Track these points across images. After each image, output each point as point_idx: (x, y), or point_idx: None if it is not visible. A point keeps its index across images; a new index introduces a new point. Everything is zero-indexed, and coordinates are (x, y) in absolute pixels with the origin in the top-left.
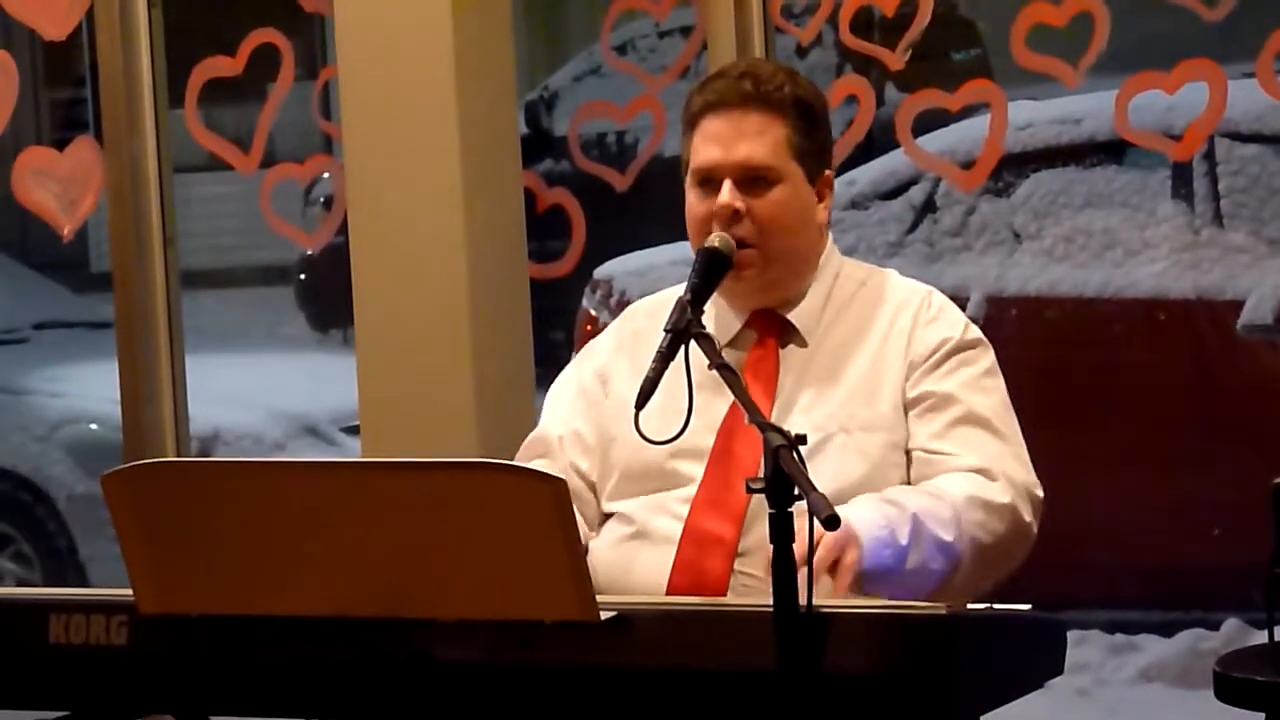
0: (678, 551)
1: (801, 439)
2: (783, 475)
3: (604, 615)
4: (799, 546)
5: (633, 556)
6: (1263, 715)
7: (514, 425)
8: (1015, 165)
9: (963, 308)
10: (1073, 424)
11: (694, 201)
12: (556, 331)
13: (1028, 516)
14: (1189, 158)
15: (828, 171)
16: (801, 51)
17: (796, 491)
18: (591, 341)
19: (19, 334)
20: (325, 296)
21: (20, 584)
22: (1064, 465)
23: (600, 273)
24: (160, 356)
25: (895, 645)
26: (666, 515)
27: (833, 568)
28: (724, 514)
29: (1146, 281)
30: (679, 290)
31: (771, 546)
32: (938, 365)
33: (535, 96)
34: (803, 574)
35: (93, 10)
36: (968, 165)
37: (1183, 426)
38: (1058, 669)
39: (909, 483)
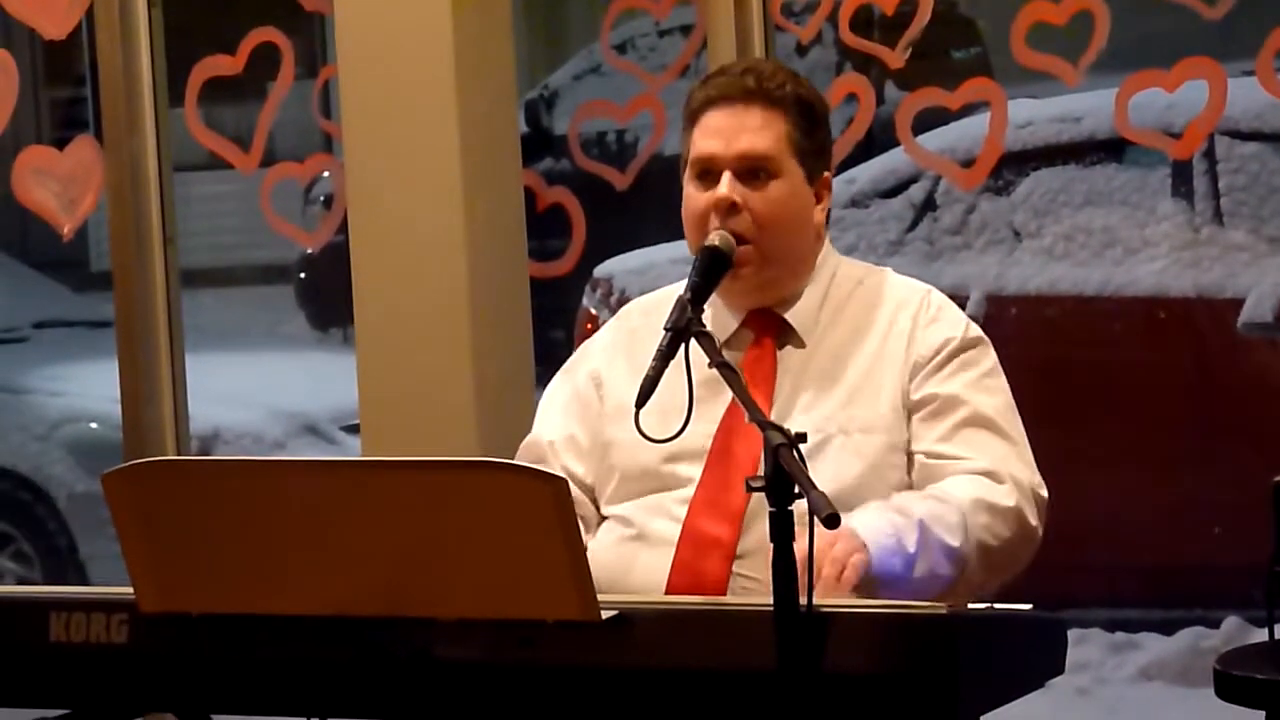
0: (676, 553)
1: (802, 437)
2: (783, 473)
3: (605, 614)
4: (799, 545)
5: (631, 558)
6: (1263, 713)
7: (514, 424)
8: (1015, 163)
9: (963, 306)
10: (1073, 422)
11: (693, 194)
12: (557, 330)
13: (1033, 520)
14: (1189, 156)
15: (826, 174)
16: (801, 50)
17: (796, 490)
18: (585, 343)
19: (19, 333)
20: (325, 295)
21: (20, 583)
22: (1064, 464)
23: (600, 271)
24: (160, 355)
25: (896, 645)
26: (665, 517)
27: (839, 573)
28: (722, 515)
29: (1146, 280)
30: (674, 289)
31: (770, 547)
32: (941, 366)
33: (535, 95)
34: (803, 573)
35: (92, 9)
36: (968, 163)
37: (1183, 425)
38: (1058, 668)
39: (909, 485)
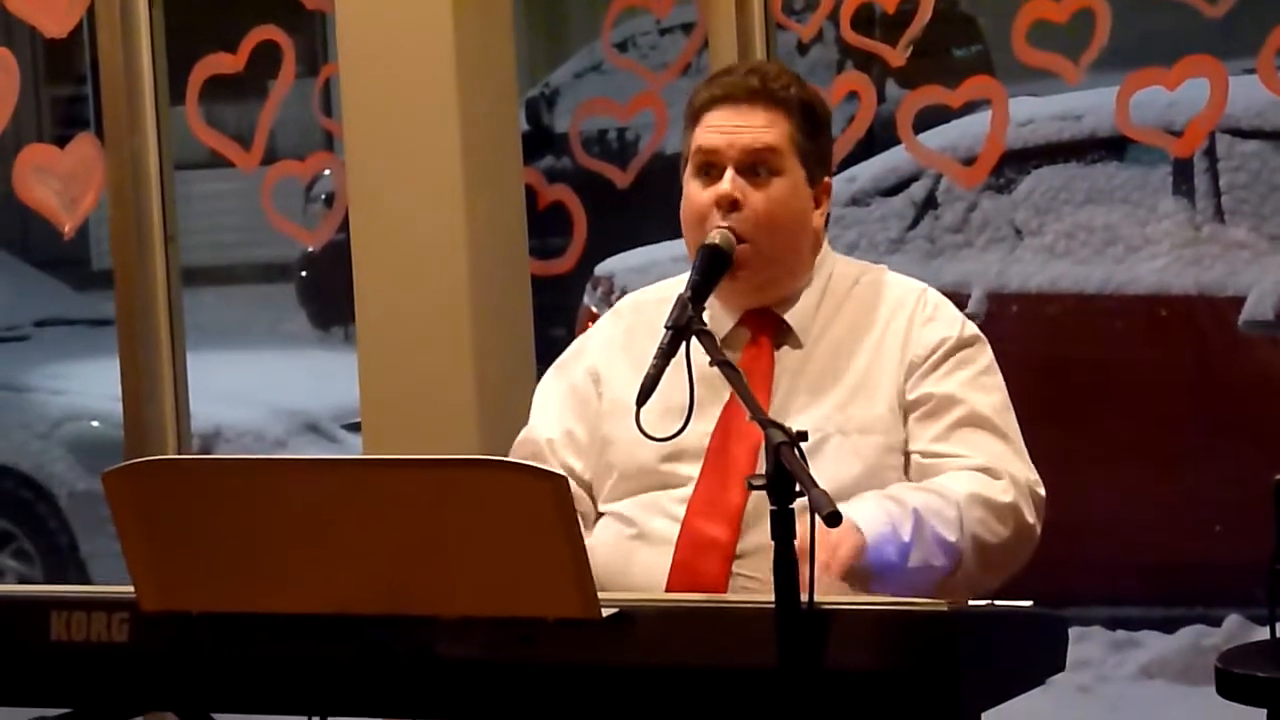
0: (675, 553)
1: (803, 435)
2: (784, 472)
3: (605, 612)
4: (800, 543)
5: (630, 558)
6: (1264, 712)
7: (515, 422)
8: (1016, 161)
9: (964, 304)
10: (1074, 420)
11: (694, 190)
12: (558, 328)
13: (1030, 517)
14: (1190, 154)
15: (827, 179)
16: (802, 48)
17: (797, 488)
18: (580, 339)
19: (20, 331)
20: (326, 294)
21: (21, 581)
22: (1065, 462)
23: (601, 269)
24: (161, 354)
25: (897, 642)
26: (663, 516)
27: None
28: (720, 516)
29: (1148, 278)
30: (668, 285)
31: (769, 547)
32: (937, 366)
33: (536, 93)
34: (804, 571)
35: (93, 7)
36: (969, 161)
37: (1184, 423)
38: (1059, 665)
39: None
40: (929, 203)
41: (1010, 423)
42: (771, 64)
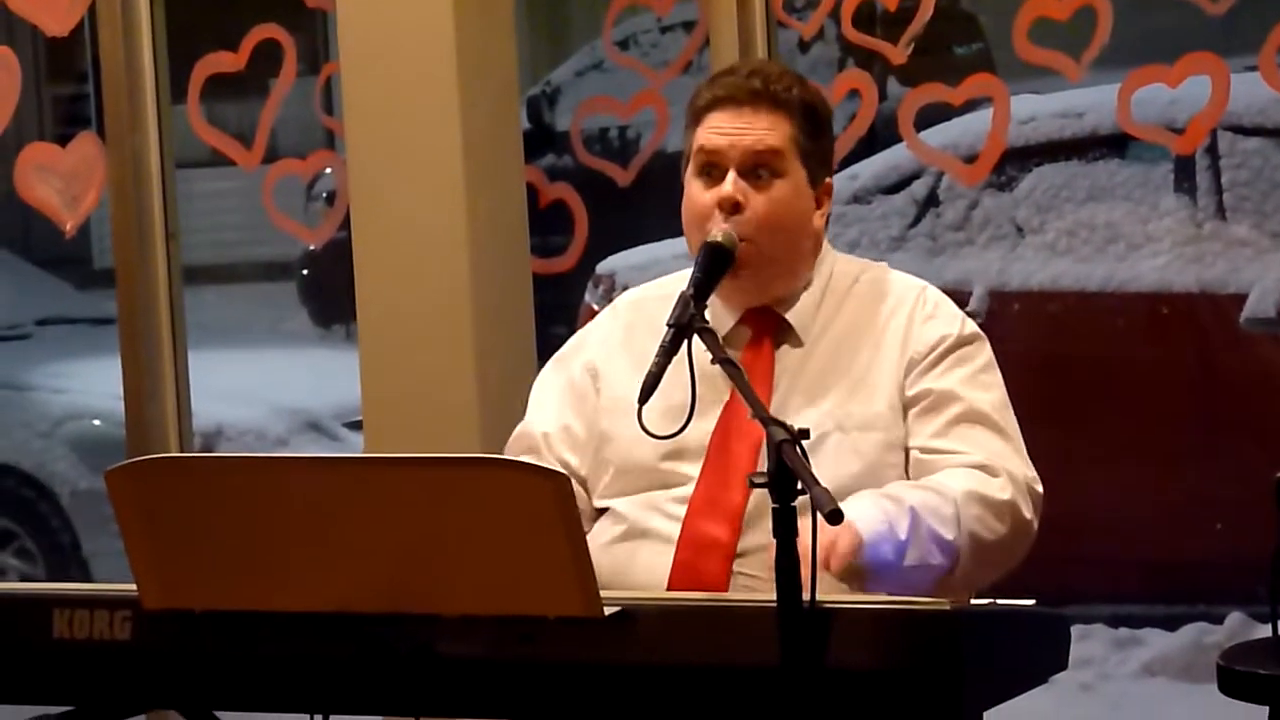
0: (675, 554)
1: (804, 433)
2: (786, 469)
3: (607, 611)
4: (802, 542)
5: (631, 557)
6: (1266, 709)
7: (517, 420)
8: (1018, 159)
9: (965, 302)
10: (1075, 418)
11: (695, 190)
12: (559, 326)
13: (1028, 514)
14: (1192, 151)
15: (828, 179)
16: (804, 46)
17: (799, 486)
18: (579, 334)
19: (22, 330)
20: (328, 292)
21: (24, 579)
22: (1066, 459)
23: (603, 267)
24: (163, 352)
25: (899, 641)
26: (663, 515)
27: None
28: (721, 516)
29: (1149, 275)
30: (667, 281)
31: (770, 547)
32: (936, 363)
33: (537, 91)
34: (806, 569)
35: (95, 6)
36: (970, 159)
37: (1186, 420)
38: (1062, 664)
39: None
40: (930, 200)
41: (1009, 420)
42: (774, 64)
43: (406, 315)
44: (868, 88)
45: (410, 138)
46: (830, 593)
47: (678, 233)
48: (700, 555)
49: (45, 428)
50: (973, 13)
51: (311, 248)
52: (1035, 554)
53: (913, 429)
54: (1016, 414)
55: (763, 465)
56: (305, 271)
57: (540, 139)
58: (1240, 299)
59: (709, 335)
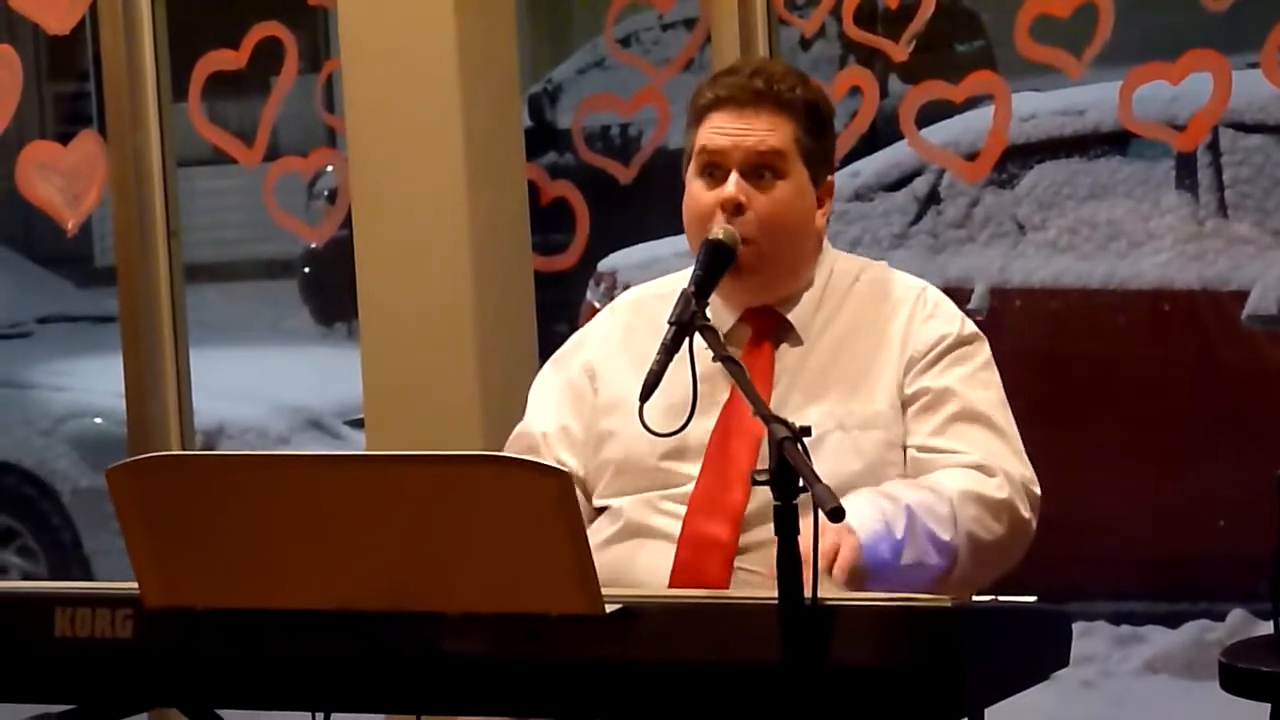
0: (676, 554)
1: (806, 431)
2: (787, 467)
3: (609, 608)
4: (804, 539)
5: (631, 557)
6: (1268, 706)
7: (518, 418)
8: (1019, 156)
9: (967, 299)
10: (1076, 416)
11: (697, 190)
12: (560, 324)
13: (1025, 513)
14: (1193, 148)
15: (830, 177)
16: (805, 43)
17: (801, 484)
18: (578, 333)
19: (23, 328)
20: (329, 290)
21: (25, 578)
22: (1068, 457)
23: (604, 265)
24: (164, 350)
25: (901, 638)
26: (663, 514)
27: (831, 563)
28: (721, 515)
29: (1151, 272)
30: (666, 281)
31: (771, 542)
32: (935, 361)
33: (539, 89)
34: (808, 567)
35: (96, 4)
36: (972, 157)
37: (1187, 418)
38: (1063, 661)
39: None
40: (932, 198)
41: (1007, 419)
42: (777, 63)
43: (408, 313)
44: (869, 85)
45: (412, 135)
46: (831, 590)
47: (679, 231)
48: (701, 555)
49: (47, 426)
50: (974, 10)
51: (313, 246)
52: (1036, 551)
53: (910, 427)
54: (1017, 410)
55: (763, 464)
56: (307, 269)
57: (542, 137)
58: (1242, 296)
59: (710, 333)
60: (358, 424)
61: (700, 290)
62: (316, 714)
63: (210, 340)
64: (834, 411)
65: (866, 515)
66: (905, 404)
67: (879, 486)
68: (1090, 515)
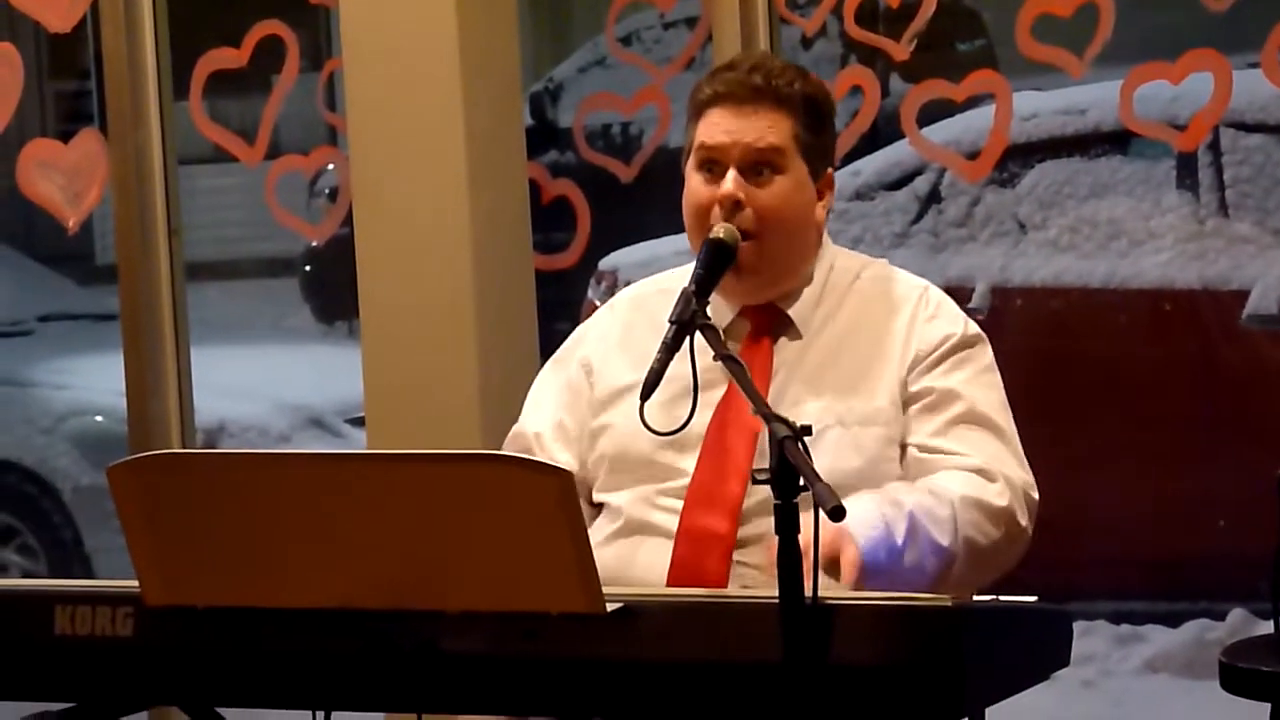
0: (674, 549)
1: (806, 429)
2: (788, 466)
3: (610, 607)
4: (804, 538)
5: (631, 554)
6: (1268, 705)
7: (518, 417)
8: (1020, 155)
9: (968, 298)
10: (1077, 415)
11: (696, 185)
12: (561, 322)
13: (1024, 520)
14: (1194, 148)
15: (830, 171)
16: (806, 42)
17: (801, 483)
18: (577, 331)
19: (24, 326)
20: (330, 288)
21: (26, 576)
22: (1069, 456)
23: (605, 264)
24: (165, 348)
25: (901, 637)
26: (660, 510)
27: (831, 566)
28: (719, 509)
29: (1152, 272)
30: (665, 278)
31: (769, 536)
32: (940, 361)
33: (540, 88)
34: (808, 565)
35: (97, 2)
36: (973, 156)
37: (1188, 417)
38: (1064, 660)
39: (902, 478)
40: (933, 197)
41: (1008, 422)
42: (776, 59)
43: (409, 311)
44: (870, 84)
45: (413, 134)
46: (831, 589)
47: (680, 229)
48: (699, 549)
49: (47, 424)
50: (975, 9)
51: (314, 244)
52: (1036, 550)
53: (912, 426)
54: (1017, 410)
55: (761, 457)
56: (308, 268)
57: (543, 135)
58: (1242, 296)
59: (711, 332)
60: (358, 422)
61: (701, 289)
62: (317, 712)
63: (211, 338)
64: (833, 407)
65: (867, 520)
66: (907, 402)
67: (882, 489)
68: (1090, 515)
